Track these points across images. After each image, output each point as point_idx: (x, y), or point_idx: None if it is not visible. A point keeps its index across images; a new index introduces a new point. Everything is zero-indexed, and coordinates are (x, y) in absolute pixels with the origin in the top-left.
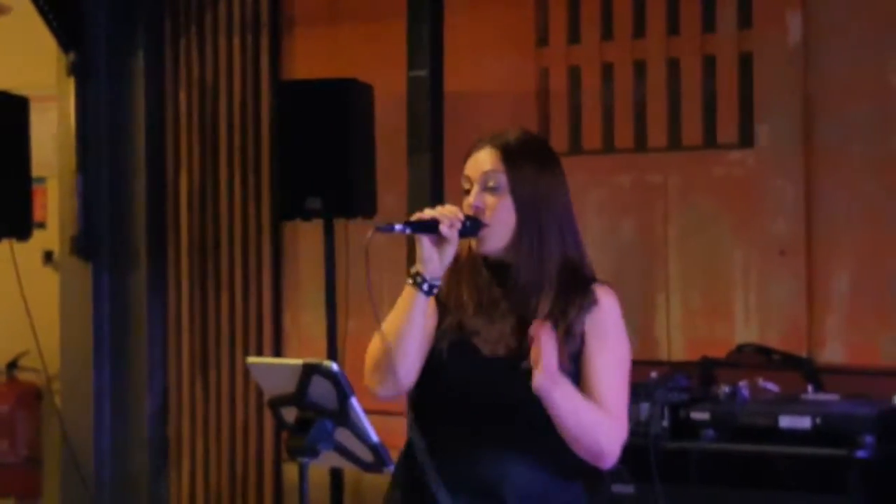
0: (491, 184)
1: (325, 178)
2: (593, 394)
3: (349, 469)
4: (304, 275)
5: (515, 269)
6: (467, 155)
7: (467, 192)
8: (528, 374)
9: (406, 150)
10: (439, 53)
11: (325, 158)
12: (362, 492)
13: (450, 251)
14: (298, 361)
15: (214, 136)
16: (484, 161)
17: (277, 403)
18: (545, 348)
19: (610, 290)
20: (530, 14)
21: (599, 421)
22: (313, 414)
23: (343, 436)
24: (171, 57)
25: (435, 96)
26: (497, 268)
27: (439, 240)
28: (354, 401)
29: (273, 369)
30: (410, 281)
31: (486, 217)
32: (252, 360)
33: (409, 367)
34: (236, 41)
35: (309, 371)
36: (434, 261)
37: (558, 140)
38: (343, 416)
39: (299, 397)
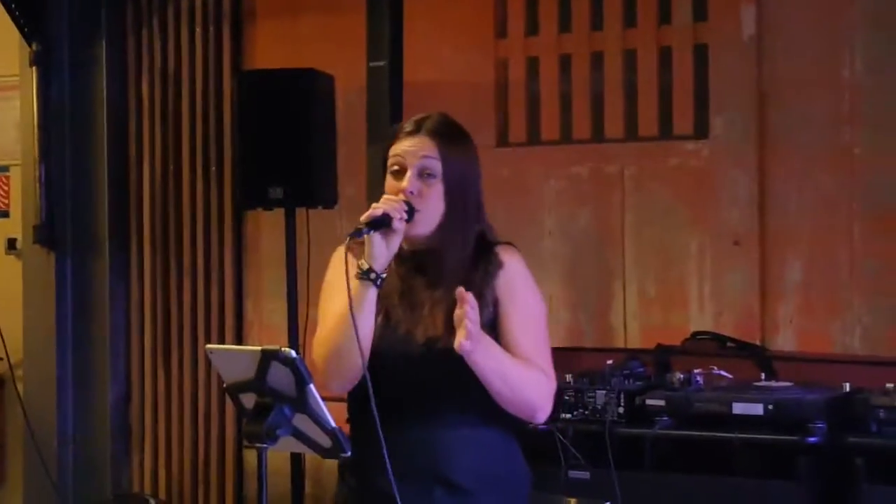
0: (427, 171)
1: (286, 168)
2: (515, 352)
3: (309, 455)
4: (266, 263)
5: (441, 253)
6: (395, 137)
7: (394, 172)
8: (448, 352)
9: (366, 140)
10: (399, 44)
11: (286, 148)
12: (322, 478)
13: (396, 242)
14: (257, 348)
15: (176, 125)
16: (421, 148)
17: (236, 390)
18: (468, 311)
19: (512, 248)
20: (489, 5)
21: (527, 376)
22: (272, 400)
23: (301, 422)
24: (134, 47)
25: (394, 86)
26: (416, 256)
27: (388, 232)
28: (313, 387)
29: (232, 356)
30: (363, 277)
31: (418, 203)
32: (211, 346)
33: (363, 353)
34: (198, 31)
35: (268, 357)
36: (384, 255)
37: (517, 130)
38: (301, 402)
39: (258, 384)
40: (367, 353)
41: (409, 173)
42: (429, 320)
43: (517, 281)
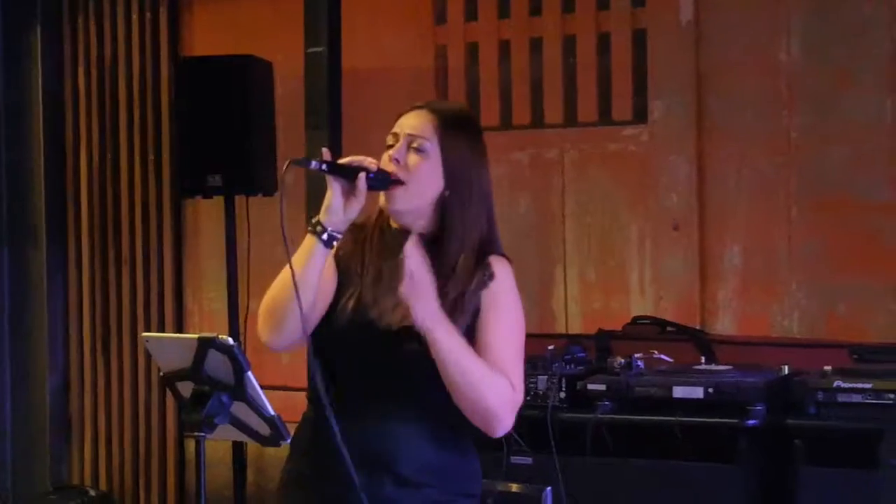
0: (416, 144)
1: (225, 155)
2: (485, 358)
3: (251, 444)
4: (206, 252)
5: (441, 238)
6: (400, 115)
7: (389, 147)
8: (423, 342)
9: (304, 127)
10: (337, 30)
11: (225, 135)
12: (265, 466)
13: (356, 205)
14: (194, 336)
15: (114, 113)
16: (417, 121)
17: (173, 378)
18: (415, 263)
19: (505, 261)
20: None
21: (489, 378)
22: (209, 388)
23: (240, 410)
24: (70, 33)
25: (333, 73)
26: (403, 237)
27: (349, 190)
28: (251, 375)
29: (169, 344)
30: (311, 229)
31: (404, 175)
32: (148, 335)
33: (301, 316)
34: (135, 17)
35: (205, 345)
36: (339, 212)
37: None
38: (239, 389)
39: (195, 372)
40: (308, 310)
41: (400, 143)
42: (399, 308)
43: (503, 295)
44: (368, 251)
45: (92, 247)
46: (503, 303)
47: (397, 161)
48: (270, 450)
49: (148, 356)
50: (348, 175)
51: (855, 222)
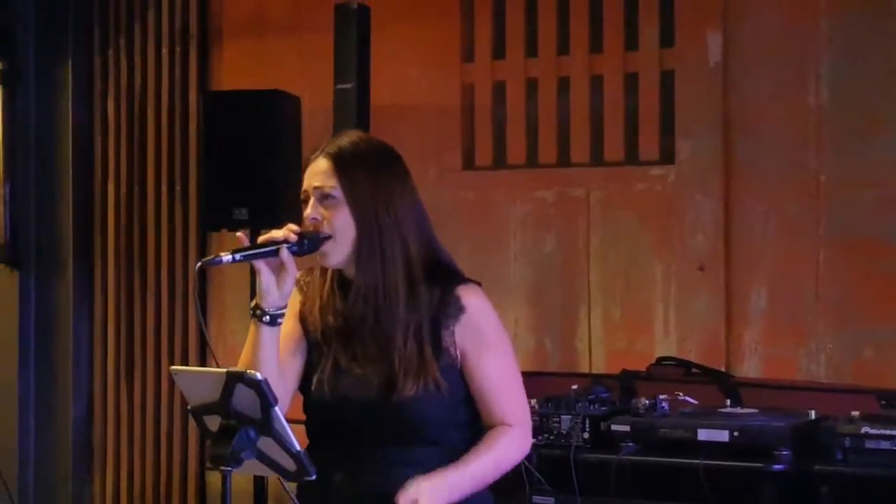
0: (326, 194)
1: (251, 189)
2: (489, 404)
3: (272, 478)
4: (230, 284)
5: (357, 280)
6: (304, 167)
7: (303, 202)
8: (404, 403)
9: None
10: (366, 66)
11: (251, 169)
12: (285, 500)
13: (289, 279)
14: (222, 370)
15: (142, 145)
16: (317, 172)
17: (200, 412)
18: None
19: (474, 287)
20: (456, 29)
21: (501, 454)
22: (236, 423)
23: (266, 444)
24: (100, 66)
25: (361, 109)
26: (354, 286)
27: (278, 266)
28: (278, 410)
29: (197, 378)
30: (252, 315)
31: (329, 229)
32: (176, 368)
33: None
34: (165, 51)
35: (233, 380)
36: (272, 291)
37: (482, 154)
38: (266, 425)
39: (223, 406)
40: (277, 381)
41: (311, 201)
42: (374, 364)
43: (481, 323)
44: (328, 307)
45: (118, 277)
46: (488, 336)
47: (316, 219)
48: (291, 485)
49: (171, 387)
50: (271, 253)
51: (883, 266)
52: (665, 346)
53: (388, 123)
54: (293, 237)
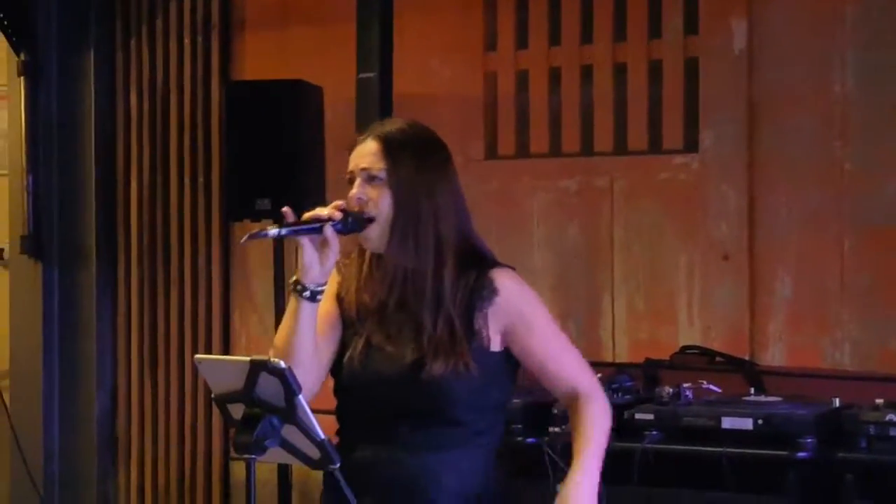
0: (372, 175)
1: (274, 179)
2: (554, 380)
3: (297, 466)
4: (253, 275)
5: (389, 261)
6: (351, 148)
7: (349, 182)
8: (432, 381)
9: None
10: (388, 56)
11: (274, 159)
12: (309, 489)
13: (331, 256)
14: (246, 358)
15: (165, 136)
16: (365, 153)
17: (224, 400)
18: None
19: (508, 271)
20: (479, 18)
21: (600, 421)
22: (260, 411)
23: (290, 433)
24: (122, 57)
25: (384, 98)
26: (391, 266)
27: (321, 243)
28: (301, 398)
29: (221, 366)
30: (292, 290)
31: (373, 210)
32: (200, 357)
33: (304, 376)
34: (187, 42)
35: (256, 368)
36: (314, 267)
37: (505, 143)
38: (290, 413)
39: (246, 394)
40: (300, 368)
41: (357, 181)
42: (406, 344)
43: (522, 307)
44: (365, 287)
45: (141, 268)
46: (528, 314)
47: (361, 200)
48: (315, 473)
49: (195, 378)
50: (315, 230)
51: None
52: (689, 335)
53: (410, 113)
54: (338, 215)
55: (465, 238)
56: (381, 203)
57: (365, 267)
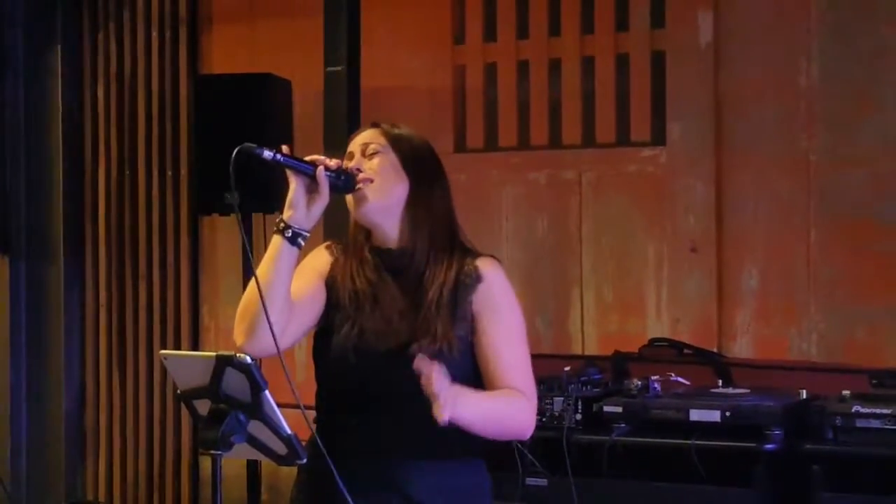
0: (371, 150)
1: (242, 173)
2: (496, 371)
3: (266, 462)
4: (222, 269)
5: (403, 233)
6: (349, 141)
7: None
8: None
9: (323, 145)
10: (356, 49)
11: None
12: (278, 485)
13: (319, 202)
14: (212, 354)
15: (132, 129)
16: (365, 135)
17: (190, 396)
18: (435, 381)
19: (494, 261)
20: (447, 11)
21: (513, 411)
22: (226, 406)
23: (256, 428)
24: (90, 50)
25: (352, 91)
26: (384, 254)
27: (311, 187)
28: (268, 393)
29: (187, 362)
30: (275, 228)
31: (369, 173)
32: (165, 353)
33: (277, 315)
34: (154, 35)
35: (222, 363)
36: (300, 208)
37: (474, 136)
38: (256, 408)
39: (212, 390)
40: (273, 307)
41: (356, 157)
42: (397, 327)
43: (498, 296)
44: (358, 276)
45: (109, 262)
46: (500, 306)
47: (359, 169)
48: (285, 468)
49: (163, 373)
50: (308, 169)
51: (875, 246)
52: (657, 328)
53: (379, 106)
54: (333, 164)
55: (455, 225)
56: (379, 166)
57: (361, 251)
